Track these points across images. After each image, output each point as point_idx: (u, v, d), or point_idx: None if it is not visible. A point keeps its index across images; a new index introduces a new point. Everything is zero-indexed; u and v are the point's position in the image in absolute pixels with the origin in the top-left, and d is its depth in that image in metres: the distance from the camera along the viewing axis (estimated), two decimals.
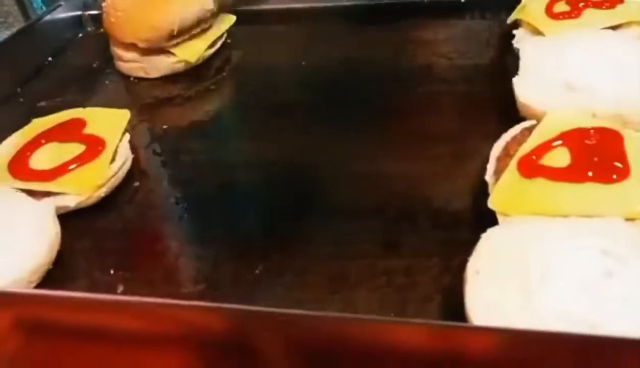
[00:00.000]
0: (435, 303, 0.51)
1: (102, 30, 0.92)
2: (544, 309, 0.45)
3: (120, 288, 0.57)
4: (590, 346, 0.41)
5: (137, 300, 0.53)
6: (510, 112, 0.65)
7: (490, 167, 0.58)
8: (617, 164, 0.54)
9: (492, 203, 0.54)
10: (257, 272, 0.56)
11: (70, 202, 0.62)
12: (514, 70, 0.68)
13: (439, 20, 0.87)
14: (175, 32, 0.82)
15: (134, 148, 0.70)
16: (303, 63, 0.84)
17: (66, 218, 0.62)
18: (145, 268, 0.59)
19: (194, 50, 0.84)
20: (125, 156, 0.67)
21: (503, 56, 0.77)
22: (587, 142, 0.56)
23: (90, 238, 0.62)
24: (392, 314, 0.51)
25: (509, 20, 0.79)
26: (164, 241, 0.62)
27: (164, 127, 0.77)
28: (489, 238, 0.50)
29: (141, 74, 0.86)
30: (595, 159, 0.55)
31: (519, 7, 0.79)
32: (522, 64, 0.69)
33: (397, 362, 0.42)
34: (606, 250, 0.48)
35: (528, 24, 0.75)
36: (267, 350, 0.50)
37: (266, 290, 0.55)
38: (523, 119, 0.63)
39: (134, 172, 0.69)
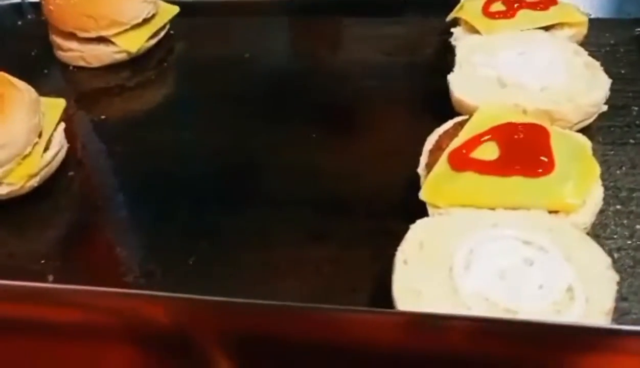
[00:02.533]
0: (364, 292, 0.52)
1: (42, 17, 0.90)
2: (467, 297, 0.46)
3: (51, 278, 0.56)
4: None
5: (68, 288, 0.53)
6: (445, 108, 0.67)
7: (423, 160, 0.60)
8: (542, 158, 0.55)
9: (423, 195, 0.55)
10: (190, 262, 0.56)
11: (2, 190, 0.61)
12: (451, 67, 0.69)
13: (381, 17, 0.88)
14: (115, 22, 0.81)
15: (70, 137, 0.69)
16: (246, 56, 0.84)
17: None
18: (77, 258, 0.59)
19: (135, 40, 0.83)
20: (59, 145, 0.66)
21: (441, 54, 0.78)
22: (515, 136, 0.58)
23: (22, 228, 0.61)
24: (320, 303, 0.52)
25: (448, 19, 0.80)
26: (98, 231, 0.62)
27: (102, 116, 0.76)
28: (417, 229, 0.51)
29: (81, 63, 0.84)
30: (523, 153, 0.56)
31: (458, 6, 0.80)
32: (458, 60, 0.70)
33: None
34: (528, 241, 0.50)
35: (466, 22, 0.77)
36: (202, 338, 0.51)
37: (199, 280, 0.55)
38: (458, 115, 0.65)
39: (70, 161, 0.68)
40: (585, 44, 0.73)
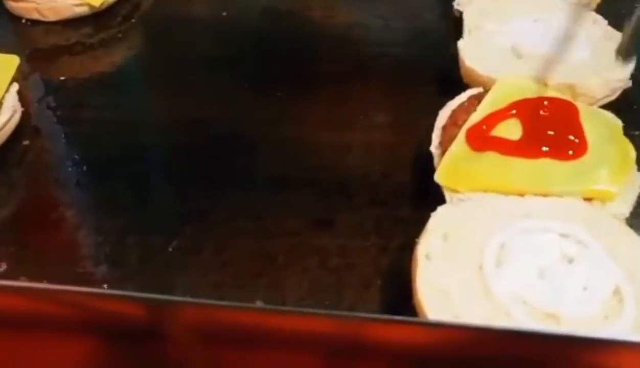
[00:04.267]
0: (375, 288, 0.46)
1: None
2: (502, 299, 0.40)
3: (4, 267, 0.48)
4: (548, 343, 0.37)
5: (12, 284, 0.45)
6: (452, 79, 0.61)
7: (436, 137, 0.53)
8: (573, 138, 0.50)
9: (439, 177, 0.49)
10: (169, 249, 0.49)
11: None
12: (454, 34, 0.63)
13: None
14: None
15: (24, 101, 0.61)
16: (224, 13, 0.75)
17: None
18: (35, 243, 0.51)
19: None
20: (12, 109, 0.58)
21: (442, 20, 0.72)
22: (541, 113, 0.51)
23: None
24: (327, 301, 0.45)
25: None
26: (58, 210, 0.54)
27: (61, 78, 0.67)
28: (438, 217, 0.45)
29: (35, 16, 0.75)
30: (550, 132, 0.50)
31: None
32: (466, 26, 0.64)
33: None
34: (565, 233, 0.44)
35: None
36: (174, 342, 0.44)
37: (180, 272, 0.48)
38: (466, 87, 0.59)
39: (24, 128, 0.60)
40: (601, 11, 0.67)
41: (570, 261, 0.42)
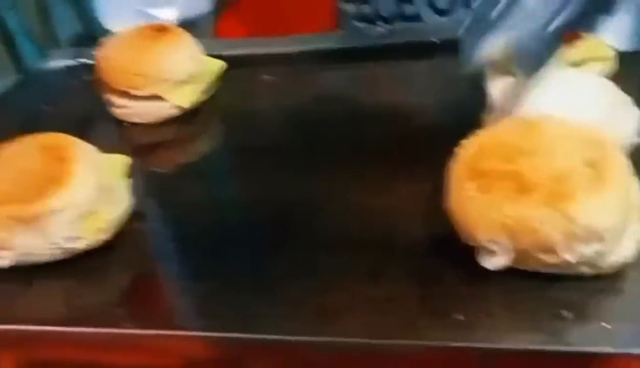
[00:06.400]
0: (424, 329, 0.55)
1: (95, 77, 0.96)
2: None
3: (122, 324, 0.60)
4: None
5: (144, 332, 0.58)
6: None
7: None
8: None
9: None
10: (247, 305, 0.59)
11: (79, 244, 0.66)
12: (482, 107, 0.73)
13: (412, 59, 0.93)
14: (162, 79, 0.87)
15: (133, 191, 0.74)
16: (288, 105, 0.89)
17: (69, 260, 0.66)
18: (145, 306, 0.63)
19: (186, 96, 0.88)
20: (125, 200, 0.71)
21: (474, 94, 0.82)
22: None
23: (94, 277, 0.66)
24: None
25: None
26: (162, 279, 0.66)
27: (161, 170, 0.81)
28: None
29: (135, 119, 0.90)
30: None
31: None
32: (490, 101, 0.74)
33: None
34: None
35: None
36: None
37: (259, 323, 0.58)
38: None
39: (134, 215, 0.72)
40: (615, 78, 0.75)
41: None
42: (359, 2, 1.18)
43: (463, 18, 1.04)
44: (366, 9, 1.16)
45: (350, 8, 1.21)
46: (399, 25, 1.11)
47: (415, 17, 1.11)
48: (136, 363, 0.64)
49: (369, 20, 1.16)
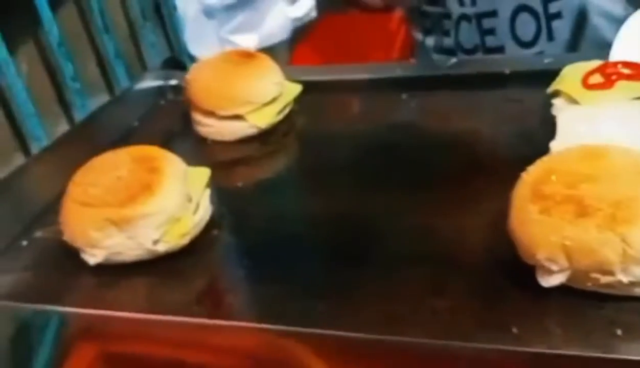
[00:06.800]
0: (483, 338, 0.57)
1: (181, 98, 1.04)
2: None
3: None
4: None
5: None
6: None
7: None
8: None
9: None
10: (318, 310, 0.63)
11: (160, 248, 0.72)
12: (550, 136, 0.76)
13: (483, 89, 0.96)
14: (248, 102, 0.93)
15: (212, 201, 0.80)
16: (359, 128, 0.93)
17: (153, 260, 0.72)
18: (221, 305, 0.68)
19: (265, 117, 0.94)
20: (206, 208, 0.77)
21: (542, 123, 0.84)
22: None
23: (174, 277, 0.71)
24: None
25: (549, 91, 0.86)
26: (237, 282, 0.71)
27: (239, 184, 0.87)
28: None
29: (217, 137, 0.96)
30: None
31: (557, 78, 0.86)
32: (559, 129, 0.76)
33: None
34: None
35: (565, 93, 0.83)
36: None
37: (327, 327, 0.62)
38: None
39: (213, 223, 0.78)
40: None
41: None
42: (440, 34, 1.21)
43: (545, 50, 1.08)
44: (447, 41, 1.20)
45: (429, 41, 1.25)
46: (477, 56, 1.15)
47: (498, 49, 1.15)
48: (206, 362, 0.68)
49: (450, 52, 1.20)
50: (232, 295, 0.69)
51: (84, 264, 0.73)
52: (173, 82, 1.15)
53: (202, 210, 0.76)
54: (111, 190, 0.72)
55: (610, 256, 0.54)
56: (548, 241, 0.57)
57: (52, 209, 0.79)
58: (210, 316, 0.65)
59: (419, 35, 1.30)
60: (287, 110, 0.98)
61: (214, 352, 0.67)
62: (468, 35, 1.16)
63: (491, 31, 1.14)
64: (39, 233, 0.82)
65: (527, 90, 0.93)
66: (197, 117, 0.97)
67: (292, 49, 1.56)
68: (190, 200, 0.75)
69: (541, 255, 0.57)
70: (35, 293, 0.73)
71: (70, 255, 0.74)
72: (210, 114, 0.95)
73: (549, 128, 0.80)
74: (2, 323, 0.71)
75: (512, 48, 1.13)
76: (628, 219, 0.54)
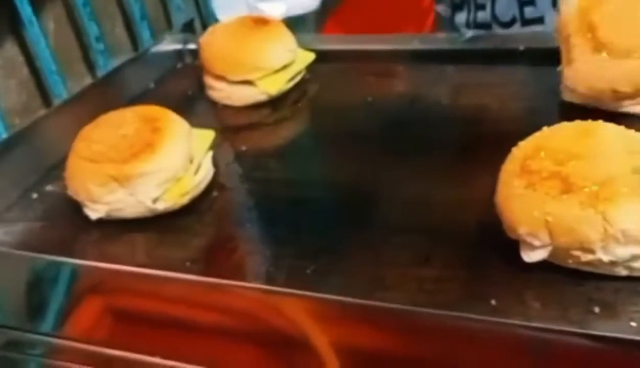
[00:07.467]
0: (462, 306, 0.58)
1: (197, 62, 1.05)
2: None
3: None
4: None
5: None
6: None
7: None
8: None
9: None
10: (308, 271, 0.65)
11: (160, 206, 0.74)
12: (559, 114, 0.76)
13: (497, 65, 0.95)
14: (259, 68, 0.94)
15: (215, 164, 0.82)
16: (369, 99, 0.94)
17: (153, 218, 0.75)
18: (216, 263, 0.70)
19: (275, 84, 0.95)
20: (207, 170, 0.79)
21: (553, 101, 0.84)
22: None
23: (173, 235, 0.73)
24: None
25: (559, 68, 0.85)
26: (233, 242, 0.73)
27: (244, 148, 0.88)
28: None
29: (228, 102, 0.98)
30: None
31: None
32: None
33: None
34: None
35: None
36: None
37: (314, 288, 0.63)
38: None
39: (214, 184, 0.80)
40: None
41: None
42: (473, 8, 1.19)
43: None
44: (482, 15, 1.17)
45: (460, 17, 1.23)
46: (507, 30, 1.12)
47: (538, 20, 1.11)
48: (200, 319, 0.70)
49: (485, 26, 1.16)
50: (226, 254, 0.71)
51: (87, 219, 0.76)
52: (192, 46, 1.16)
53: (203, 171, 0.78)
54: (115, 147, 0.74)
55: (591, 234, 0.55)
56: (531, 216, 0.57)
57: (62, 164, 0.81)
58: (203, 274, 0.67)
59: (447, 11, 1.28)
60: (298, 78, 0.99)
61: (209, 310, 0.69)
62: (506, 7, 1.12)
63: (531, 1, 1.11)
64: (49, 187, 0.85)
65: (539, 68, 0.92)
66: (209, 81, 0.99)
67: (321, 20, 1.56)
68: (192, 161, 0.77)
69: (523, 230, 0.58)
70: (43, 244, 0.75)
71: (75, 209, 0.77)
72: (221, 78, 0.96)
73: (558, 108, 0.79)
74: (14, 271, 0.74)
75: (553, 19, 1.09)
76: (610, 198, 0.54)
